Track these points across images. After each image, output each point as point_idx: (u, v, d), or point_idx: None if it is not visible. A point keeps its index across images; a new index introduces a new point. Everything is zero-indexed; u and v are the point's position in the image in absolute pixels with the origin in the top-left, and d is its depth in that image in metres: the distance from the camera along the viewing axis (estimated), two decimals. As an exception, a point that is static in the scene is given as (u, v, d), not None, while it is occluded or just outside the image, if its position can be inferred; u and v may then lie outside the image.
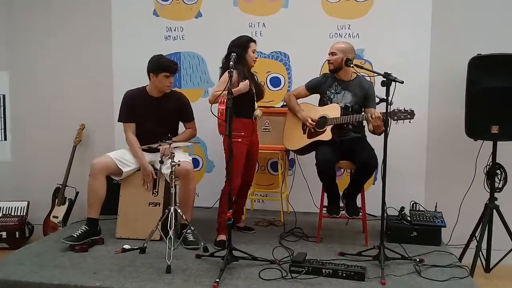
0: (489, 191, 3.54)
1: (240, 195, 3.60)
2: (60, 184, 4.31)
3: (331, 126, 3.35)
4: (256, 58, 3.41)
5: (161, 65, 3.41)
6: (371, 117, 3.15)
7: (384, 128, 2.93)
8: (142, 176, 3.44)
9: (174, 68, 3.45)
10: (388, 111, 2.90)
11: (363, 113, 3.34)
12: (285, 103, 3.76)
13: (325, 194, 3.44)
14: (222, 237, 3.29)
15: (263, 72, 4.14)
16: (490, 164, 3.53)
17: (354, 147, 3.37)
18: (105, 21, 4.40)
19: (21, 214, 4.37)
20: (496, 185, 3.54)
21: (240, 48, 3.29)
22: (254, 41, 3.39)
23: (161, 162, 3.25)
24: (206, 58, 4.28)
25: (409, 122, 3.04)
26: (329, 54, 3.42)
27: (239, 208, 3.71)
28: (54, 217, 4.24)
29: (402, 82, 2.85)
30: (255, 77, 3.53)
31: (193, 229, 3.25)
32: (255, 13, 4.19)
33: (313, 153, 3.39)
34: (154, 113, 3.50)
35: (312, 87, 3.58)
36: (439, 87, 3.92)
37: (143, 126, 3.53)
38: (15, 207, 4.40)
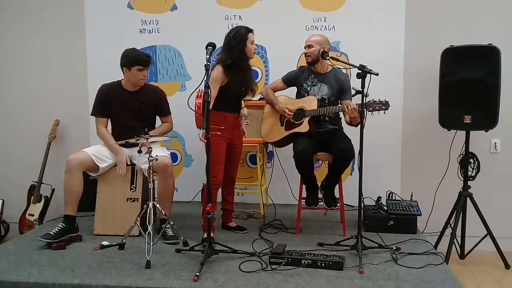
0: (462, 179, 3.62)
1: (227, 192, 3.52)
2: (35, 181, 4.23)
3: (308, 118, 3.38)
4: (255, 49, 3.33)
5: (133, 59, 3.36)
6: (347, 108, 3.19)
7: (360, 119, 2.97)
8: (117, 162, 3.40)
9: (146, 61, 3.39)
10: (364, 102, 2.94)
11: (339, 105, 3.37)
12: (262, 97, 3.76)
13: (304, 186, 3.47)
14: (205, 234, 3.16)
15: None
16: (463, 153, 3.62)
17: (331, 138, 3.41)
18: (79, 14, 4.31)
19: (-4, 212, 4.29)
20: (469, 173, 3.62)
21: (239, 41, 3.20)
22: (252, 31, 3.27)
23: (139, 152, 3.17)
24: (182, 51, 4.24)
25: (384, 113, 3.09)
26: (305, 47, 3.44)
27: (228, 206, 3.56)
28: (30, 215, 4.17)
29: (377, 74, 2.89)
30: (253, 71, 3.45)
31: (172, 223, 3.23)
32: (231, 5, 4.17)
33: (291, 145, 3.42)
34: (130, 108, 3.47)
35: (289, 80, 3.60)
36: (414, 79, 3.99)
37: (120, 120, 3.50)
38: (-11, 206, 4.31)
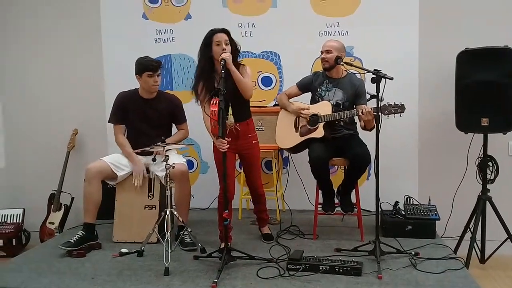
0: (481, 183, 3.58)
1: (254, 201, 3.48)
2: (55, 190, 4.30)
3: (323, 123, 3.38)
4: (223, 49, 3.02)
5: (143, 65, 3.40)
6: (362, 112, 3.18)
7: (375, 123, 2.96)
8: (133, 172, 3.43)
9: (155, 66, 3.40)
10: (379, 107, 2.93)
11: (354, 110, 3.36)
12: (277, 103, 3.77)
13: (320, 191, 3.47)
14: (223, 244, 3.07)
15: (254, 72, 4.14)
16: (482, 156, 3.58)
17: (347, 143, 3.41)
18: (95, 25, 4.39)
19: (17, 221, 4.35)
20: (488, 176, 3.58)
21: (203, 48, 3.11)
22: (220, 31, 3.08)
23: (154, 160, 3.21)
24: (197, 59, 4.26)
25: (400, 116, 3.07)
26: (322, 52, 3.43)
27: (258, 213, 3.49)
28: (50, 223, 4.24)
29: (391, 79, 2.88)
30: (244, 70, 3.17)
31: (190, 230, 3.26)
32: (245, 13, 4.20)
33: (307, 150, 3.42)
34: (147, 115, 3.51)
35: (303, 86, 3.61)
36: (429, 82, 3.96)
37: (136, 128, 3.54)
38: (10, 215, 4.39)
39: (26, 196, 4.54)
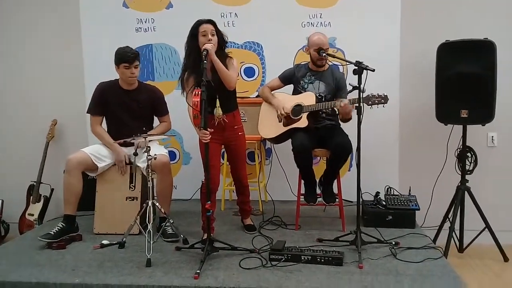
0: (460, 173, 3.64)
1: (238, 192, 3.47)
2: (34, 181, 4.24)
3: (307, 113, 3.39)
4: (210, 40, 3.03)
5: (120, 56, 3.35)
6: (340, 105, 3.18)
7: (357, 115, 2.97)
8: (116, 161, 3.41)
9: (131, 58, 3.33)
10: (361, 98, 2.94)
11: (332, 101, 3.36)
12: (259, 94, 3.77)
13: (302, 182, 3.49)
14: (205, 235, 3.02)
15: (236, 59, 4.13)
16: (461, 147, 3.64)
17: (329, 133, 3.43)
18: (74, 14, 4.29)
19: (-5, 213, 4.29)
20: (467, 167, 3.65)
21: (191, 38, 3.10)
22: (206, 22, 3.08)
23: (135, 154, 3.20)
24: (179, 49, 4.23)
25: (383, 106, 3.09)
26: (320, 50, 3.35)
27: (240, 204, 3.50)
28: (29, 214, 4.18)
29: (373, 70, 2.89)
30: (230, 61, 3.15)
31: (172, 221, 3.25)
32: (227, 3, 4.16)
33: (289, 142, 3.43)
34: (127, 106, 3.47)
35: (286, 78, 3.61)
36: (410, 74, 4.00)
37: (117, 119, 3.50)
38: (-12, 206, 4.32)
39: (5, 187, 4.45)
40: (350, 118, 3.02)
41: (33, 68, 4.44)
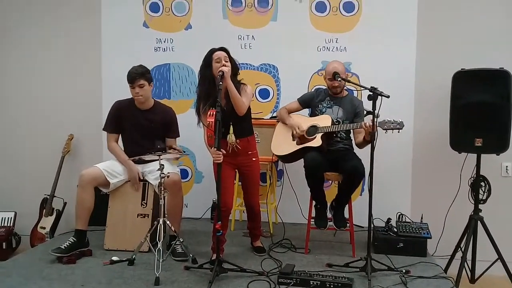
0: (473, 202, 3.59)
1: (248, 217, 3.49)
2: (48, 195, 4.28)
3: (321, 134, 3.40)
4: (223, 65, 3.06)
5: (127, 75, 3.39)
6: (365, 125, 3.17)
7: (371, 141, 2.98)
8: (129, 177, 3.44)
9: (132, 77, 3.35)
10: (375, 124, 2.95)
11: (353, 123, 3.39)
12: (274, 115, 3.79)
13: (313, 206, 3.47)
14: (214, 256, 3.06)
15: (252, 84, 4.16)
16: (474, 176, 3.60)
17: (342, 157, 3.43)
18: (95, 32, 4.40)
19: (8, 224, 4.33)
20: (480, 196, 3.60)
21: (206, 66, 3.16)
22: (218, 50, 3.15)
23: (162, 166, 3.10)
24: (196, 69, 4.25)
25: (398, 132, 3.09)
26: (331, 78, 3.42)
27: (251, 229, 3.52)
28: (41, 228, 4.21)
29: (388, 97, 2.90)
30: (240, 89, 3.16)
31: (182, 240, 3.25)
32: (245, 25, 4.24)
33: (301, 163, 3.41)
34: (140, 125, 3.51)
35: (305, 101, 3.65)
36: (424, 101, 4.00)
37: (130, 137, 3.54)
38: (1, 218, 4.37)
39: (18, 200, 4.50)
40: (374, 137, 3.00)
41: (52, 83, 4.53)
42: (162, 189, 3.06)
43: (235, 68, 3.20)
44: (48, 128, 4.55)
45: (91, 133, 4.40)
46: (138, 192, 3.47)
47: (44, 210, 4.27)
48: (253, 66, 4.23)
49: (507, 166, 3.91)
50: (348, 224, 3.45)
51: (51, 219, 4.23)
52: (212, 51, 3.16)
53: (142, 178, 3.47)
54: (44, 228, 4.20)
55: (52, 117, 4.54)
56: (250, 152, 3.28)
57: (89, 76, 4.46)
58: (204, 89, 3.17)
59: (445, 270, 3.49)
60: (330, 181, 4.03)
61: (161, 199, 3.07)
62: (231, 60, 3.17)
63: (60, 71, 4.51)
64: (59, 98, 4.52)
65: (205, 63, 3.17)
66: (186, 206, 4.00)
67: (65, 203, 4.31)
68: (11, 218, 4.36)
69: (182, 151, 3.36)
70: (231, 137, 3.13)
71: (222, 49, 3.17)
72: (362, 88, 3.16)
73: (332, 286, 2.74)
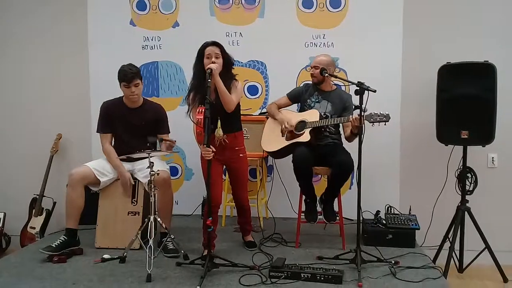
0: (460, 193, 3.65)
1: (238, 213, 3.50)
2: (37, 195, 4.26)
3: (310, 129, 3.43)
4: (213, 62, 3.06)
5: (120, 75, 3.38)
6: (352, 119, 3.21)
7: (358, 134, 3.01)
8: (121, 183, 3.44)
9: (129, 77, 3.34)
10: (363, 118, 2.99)
11: (341, 117, 3.42)
12: (263, 111, 3.81)
13: (303, 200, 3.50)
14: (206, 251, 3.05)
15: (240, 81, 4.18)
16: (461, 168, 3.66)
17: (331, 151, 3.46)
18: (82, 30, 4.38)
19: (-3, 225, 4.31)
20: (467, 188, 3.66)
21: (197, 61, 3.18)
22: (212, 44, 3.13)
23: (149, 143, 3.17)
24: (184, 67, 4.30)
25: (385, 124, 3.13)
26: (311, 68, 3.51)
27: (241, 224, 3.53)
28: (31, 228, 4.19)
29: (374, 91, 2.94)
30: (231, 85, 3.18)
31: (172, 237, 3.26)
32: (232, 22, 4.25)
33: (290, 158, 3.44)
34: (131, 124, 3.50)
35: (294, 96, 3.67)
36: (411, 95, 4.04)
37: (120, 136, 3.53)
38: (-10, 219, 4.34)
39: (8, 200, 4.48)
40: (362, 131, 3.02)
41: (39, 82, 4.50)
42: (152, 186, 3.07)
43: (228, 63, 3.20)
44: (36, 128, 4.52)
45: (80, 132, 4.39)
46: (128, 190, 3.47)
47: (34, 210, 4.25)
48: (241, 63, 4.24)
49: (493, 157, 3.97)
50: (337, 217, 3.49)
51: (41, 219, 4.21)
52: (205, 45, 3.15)
53: (133, 182, 3.47)
54: (34, 228, 4.18)
55: (40, 117, 4.51)
56: (237, 148, 3.29)
57: (76, 75, 4.43)
58: (196, 82, 3.19)
59: (434, 260, 3.55)
60: (320, 175, 4.07)
61: (151, 196, 3.07)
62: (224, 55, 3.16)
63: (47, 70, 4.48)
64: (46, 97, 4.50)
65: (198, 57, 3.18)
66: (177, 203, 4.01)
67: (54, 203, 4.29)
68: (0, 218, 4.33)
69: (174, 141, 3.34)
70: (219, 131, 3.14)
71: (215, 43, 3.15)
72: (349, 83, 3.19)
73: (322, 278, 2.77)
